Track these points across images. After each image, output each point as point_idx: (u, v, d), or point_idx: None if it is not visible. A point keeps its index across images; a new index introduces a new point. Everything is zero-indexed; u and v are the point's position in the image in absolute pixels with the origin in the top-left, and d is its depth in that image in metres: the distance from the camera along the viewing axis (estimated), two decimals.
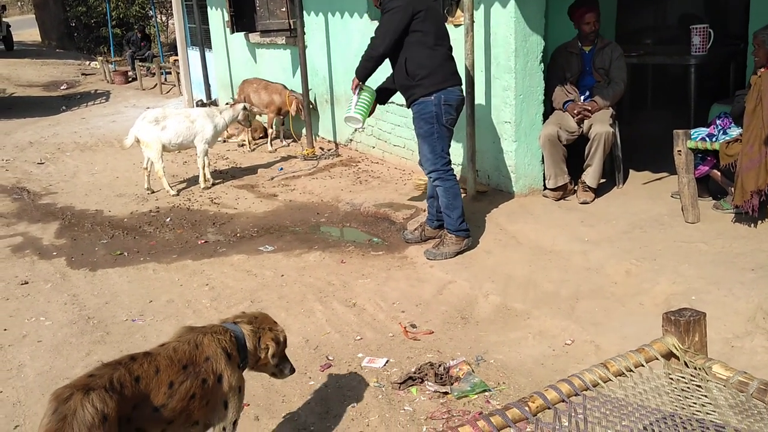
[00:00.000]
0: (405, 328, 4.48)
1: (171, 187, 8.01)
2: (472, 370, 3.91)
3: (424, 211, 6.24)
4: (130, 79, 19.27)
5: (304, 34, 9.21)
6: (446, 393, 3.72)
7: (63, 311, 5.00)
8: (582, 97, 6.71)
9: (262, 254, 5.94)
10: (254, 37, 10.89)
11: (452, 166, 5.53)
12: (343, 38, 8.96)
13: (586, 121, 6.51)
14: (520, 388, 3.75)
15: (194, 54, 13.79)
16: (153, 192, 8.04)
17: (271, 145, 9.94)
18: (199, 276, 5.53)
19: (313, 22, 9.50)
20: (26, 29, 31.63)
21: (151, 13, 25.23)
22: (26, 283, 5.56)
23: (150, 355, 2.56)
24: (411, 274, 5.36)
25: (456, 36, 6.22)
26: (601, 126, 6.36)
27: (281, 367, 3.11)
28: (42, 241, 6.58)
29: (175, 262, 5.87)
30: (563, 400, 1.98)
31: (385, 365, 4.05)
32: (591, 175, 6.43)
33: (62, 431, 2.14)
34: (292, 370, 3.16)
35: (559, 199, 6.56)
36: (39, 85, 19.92)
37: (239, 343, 2.87)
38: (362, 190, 7.51)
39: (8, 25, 28.08)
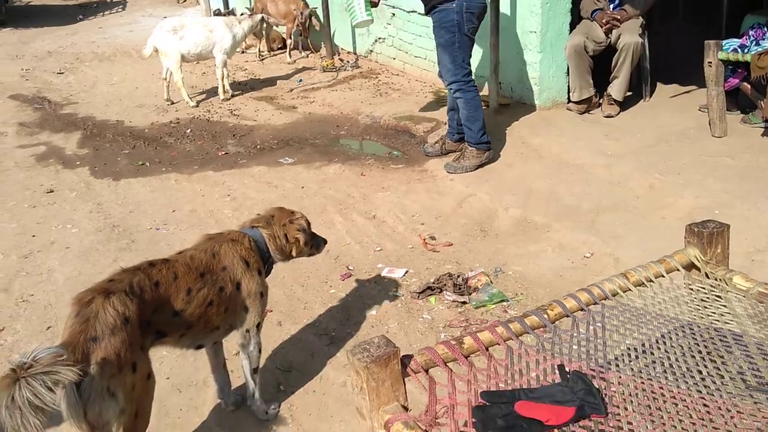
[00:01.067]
0: (424, 240, 4.51)
1: (190, 98, 7.96)
2: (491, 281, 3.96)
3: (445, 123, 6.16)
4: None
5: None
6: (464, 303, 3.78)
7: (89, 219, 5.09)
8: (611, 6, 6.45)
9: (282, 166, 5.94)
10: None
11: (473, 77, 5.41)
12: None
13: (614, 31, 6.28)
14: (538, 299, 3.80)
15: None
16: (173, 103, 7.99)
17: (290, 56, 9.76)
18: (220, 187, 5.57)
19: None
20: None
21: None
22: (52, 191, 5.64)
23: (168, 261, 2.60)
24: (431, 187, 5.35)
25: None
26: (629, 36, 6.14)
27: (314, 246, 3.19)
28: (65, 151, 6.63)
29: (197, 173, 5.90)
30: (582, 309, 2.01)
31: (404, 275, 4.11)
32: (617, 88, 6.27)
33: (85, 332, 2.21)
34: (325, 242, 3.28)
35: (583, 113, 6.43)
36: None
37: (260, 249, 2.90)
38: (382, 103, 7.41)
39: None
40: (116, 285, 2.37)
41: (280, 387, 3.20)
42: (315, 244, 3.18)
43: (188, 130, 7.07)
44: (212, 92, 8.37)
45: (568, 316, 2.00)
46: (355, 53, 9.45)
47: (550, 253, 4.31)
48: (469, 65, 5.35)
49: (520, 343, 1.91)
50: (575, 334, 1.93)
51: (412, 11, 8.06)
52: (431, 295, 3.88)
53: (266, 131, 6.92)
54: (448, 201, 5.06)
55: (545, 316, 2.00)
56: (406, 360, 1.87)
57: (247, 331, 2.82)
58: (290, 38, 9.73)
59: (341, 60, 9.27)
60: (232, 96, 8.19)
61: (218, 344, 2.97)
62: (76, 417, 2.17)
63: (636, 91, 6.62)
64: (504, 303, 3.78)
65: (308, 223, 3.14)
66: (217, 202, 5.28)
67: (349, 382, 3.20)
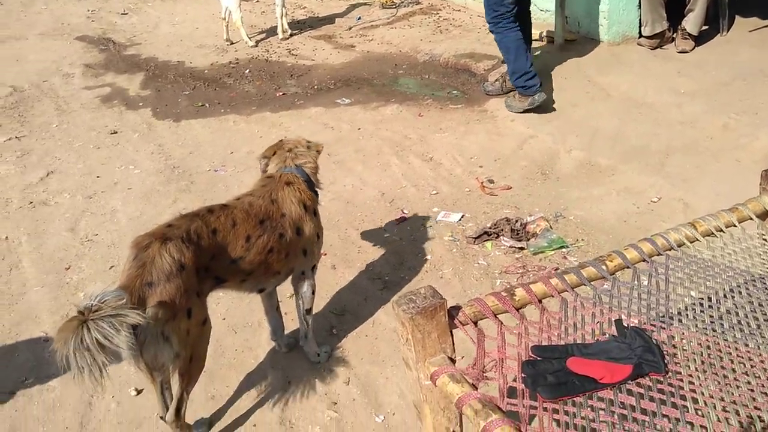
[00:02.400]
0: (482, 183, 4.39)
1: (249, 38, 7.90)
2: (550, 227, 3.83)
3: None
4: None
5: None
6: (522, 249, 3.69)
7: (150, 160, 5.17)
8: None
9: (339, 107, 5.86)
10: None
11: (510, 15, 5.07)
12: None
13: None
14: (600, 246, 3.66)
15: None
16: (232, 43, 7.96)
17: None
18: (277, 128, 5.55)
19: None
20: None
21: None
22: (115, 132, 5.74)
23: (227, 208, 2.59)
24: (490, 128, 5.19)
25: None
26: None
27: None
28: (128, 92, 6.72)
29: (255, 114, 5.89)
30: (644, 260, 1.89)
31: (460, 220, 4.02)
32: (692, 21, 5.86)
33: (142, 277, 2.23)
34: None
35: (655, 48, 6.06)
36: None
37: (310, 185, 2.86)
38: (442, 40, 7.18)
39: None
40: (174, 231, 2.38)
41: (333, 330, 3.21)
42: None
43: (247, 71, 7.04)
44: (271, 32, 8.29)
45: (628, 267, 1.89)
46: None
47: (614, 197, 4.13)
48: (509, 4, 5.04)
49: (575, 295, 1.81)
50: (636, 287, 1.82)
51: None
52: (488, 240, 3.79)
53: (324, 71, 6.82)
54: (508, 142, 4.90)
55: (603, 267, 1.89)
56: (453, 311, 1.81)
57: (303, 273, 2.82)
58: None
59: None
60: (291, 35, 8.09)
61: (272, 290, 2.98)
62: (135, 358, 2.23)
63: (712, 25, 6.18)
64: (563, 249, 3.66)
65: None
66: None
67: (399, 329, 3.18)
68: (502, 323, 1.75)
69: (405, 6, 8.63)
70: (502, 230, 3.80)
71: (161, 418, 2.52)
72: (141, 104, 6.37)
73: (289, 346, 3.09)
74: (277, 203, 2.68)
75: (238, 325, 3.29)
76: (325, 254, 3.77)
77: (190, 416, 2.76)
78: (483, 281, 3.47)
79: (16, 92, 6.91)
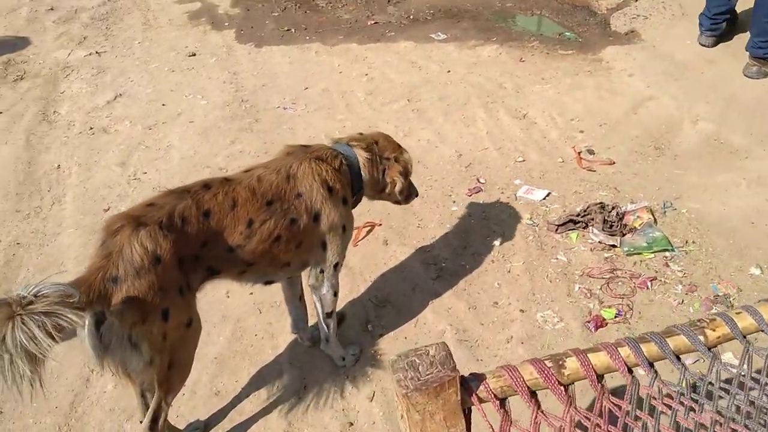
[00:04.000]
0: (579, 153, 3.69)
1: None
2: (654, 220, 3.13)
3: (636, 0, 5.00)
4: None
5: None
6: (613, 246, 3.03)
7: (220, 90, 4.79)
8: None
9: (432, 43, 5.20)
10: None
11: None
12: None
13: None
14: (715, 253, 2.95)
15: None
16: None
17: None
18: (360, 63, 4.99)
19: None
20: None
21: None
22: (194, 54, 5.40)
23: (229, 182, 2.12)
24: (602, 82, 4.39)
25: None
26: None
27: (406, 196, 2.64)
28: (218, 10, 6.33)
29: (340, 45, 5.35)
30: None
31: (544, 198, 3.39)
32: None
33: (105, 269, 1.84)
34: (416, 195, 2.73)
35: None
36: None
37: (352, 172, 2.36)
38: None
39: None
40: (152, 214, 1.96)
41: (368, 326, 2.75)
42: (408, 194, 2.65)
43: None
44: None
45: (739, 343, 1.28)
46: None
47: (743, 188, 3.34)
48: None
49: (653, 376, 1.25)
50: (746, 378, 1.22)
51: None
52: (573, 229, 3.15)
53: (421, 0, 6.11)
54: (621, 103, 4.11)
55: (701, 337, 1.29)
56: (472, 382, 1.32)
57: (321, 271, 2.33)
58: None
59: None
60: None
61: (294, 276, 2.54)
62: (96, 361, 1.87)
63: None
64: (666, 253, 2.97)
65: (411, 168, 2.63)
66: (353, 82, 4.73)
67: (448, 332, 2.68)
68: (539, 408, 1.24)
69: None
70: (593, 219, 3.14)
71: (141, 422, 2.18)
72: (227, 24, 5.97)
73: (313, 341, 2.67)
74: (294, 180, 2.18)
75: (265, 304, 2.90)
76: (380, 224, 3.28)
77: (189, 413, 2.44)
78: (558, 284, 2.87)
79: (111, 1, 6.71)
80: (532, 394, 1.39)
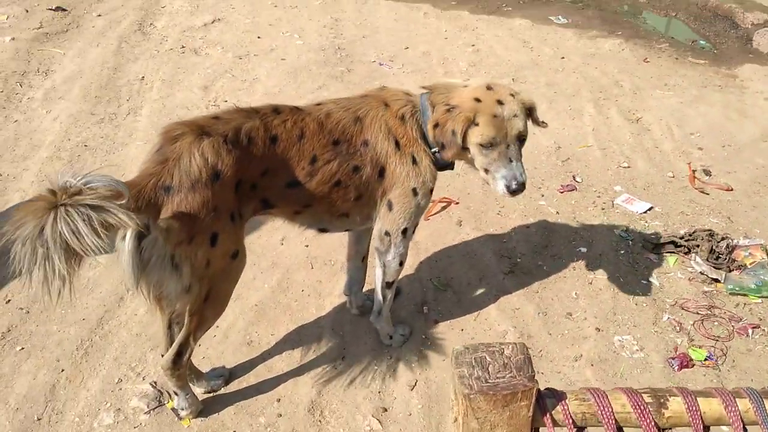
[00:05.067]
0: (694, 171, 3.28)
1: None
2: None
3: None
4: None
5: None
6: (716, 281, 2.64)
7: (319, 34, 4.57)
8: None
9: (550, 25, 4.81)
10: None
11: None
12: None
13: None
14: None
15: None
16: None
17: None
18: (468, 33, 4.67)
19: None
20: None
21: None
22: None
23: (299, 112, 1.88)
24: (733, 100, 3.92)
25: None
26: None
27: (490, 174, 1.93)
28: None
29: (452, 10, 5.03)
30: None
31: (645, 212, 3.01)
32: None
33: (159, 176, 1.63)
34: (518, 186, 1.92)
35: None
36: None
37: (425, 127, 1.96)
38: None
39: None
40: (218, 126, 1.74)
41: (424, 308, 2.48)
42: (492, 171, 1.92)
43: None
44: None
45: None
46: None
47: None
48: None
49: None
50: None
51: None
52: (673, 252, 2.78)
53: None
54: (750, 127, 3.66)
55: None
56: (549, 399, 1.08)
57: (387, 233, 2.06)
58: None
59: None
60: None
61: (362, 232, 2.27)
62: (131, 278, 1.67)
63: None
64: None
65: (488, 134, 1.86)
66: (457, 50, 4.41)
67: (511, 334, 2.38)
68: None
69: None
70: (699, 246, 2.76)
71: (162, 356, 1.99)
72: None
73: (362, 310, 2.42)
74: (362, 125, 1.91)
75: (319, 259, 2.67)
76: (457, 203, 3.00)
77: (216, 358, 2.23)
78: (645, 309, 2.52)
79: None
80: (619, 430, 1.15)
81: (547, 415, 1.19)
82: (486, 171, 1.95)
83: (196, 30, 4.52)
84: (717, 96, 3.96)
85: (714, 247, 2.74)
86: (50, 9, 4.63)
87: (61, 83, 3.79)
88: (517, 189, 1.92)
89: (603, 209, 3.03)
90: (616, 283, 2.63)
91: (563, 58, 4.32)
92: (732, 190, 3.18)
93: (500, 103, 1.89)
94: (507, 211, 3.00)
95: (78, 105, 3.60)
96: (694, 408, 1.19)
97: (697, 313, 2.50)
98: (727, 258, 2.72)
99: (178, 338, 1.90)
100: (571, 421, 1.17)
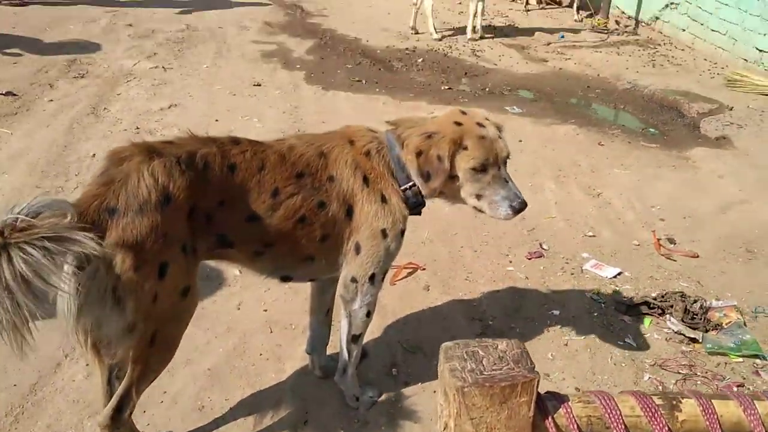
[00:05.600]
0: (659, 240, 3.26)
1: (436, 30, 7.19)
2: (744, 323, 2.65)
3: (730, 109, 4.69)
4: None
5: None
6: (694, 340, 2.54)
7: (277, 119, 4.57)
8: None
9: (506, 114, 4.93)
10: None
11: None
12: None
13: None
14: None
15: None
16: (417, 33, 7.29)
17: (577, 13, 8.36)
18: None
19: None
20: None
21: None
22: (258, 85, 5.24)
23: (259, 144, 1.80)
24: (688, 178, 4.00)
25: None
26: None
27: (485, 199, 1.84)
28: (292, 54, 6.26)
29: (409, 101, 5.13)
30: None
31: (615, 277, 2.94)
32: None
33: (103, 198, 1.49)
34: (515, 207, 1.86)
35: None
36: None
37: (395, 165, 1.85)
38: (652, 74, 6.00)
39: None
40: (171, 148, 1.63)
41: (393, 370, 2.30)
42: (487, 196, 1.84)
43: (420, 60, 6.32)
44: (461, 31, 7.50)
45: None
46: (636, 19, 7.97)
47: None
48: None
49: None
50: None
51: None
52: (647, 314, 2.69)
53: (503, 77, 5.92)
54: (708, 201, 3.70)
55: None
56: (550, 401, 0.94)
57: (353, 279, 1.91)
58: None
59: (617, 23, 7.88)
60: (481, 38, 7.28)
61: (326, 281, 2.11)
62: (69, 317, 1.49)
63: None
64: (757, 360, 2.47)
65: (477, 157, 1.78)
66: None
67: None
68: None
69: (619, 34, 7.52)
70: (672, 307, 2.68)
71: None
72: (299, 66, 5.86)
73: (326, 371, 2.21)
74: (326, 159, 1.81)
75: (279, 323, 2.48)
76: (423, 268, 2.88)
77: (163, 424, 1.99)
78: (624, 369, 2.39)
79: (189, 30, 6.73)
80: None
81: (549, 419, 1.04)
82: (478, 197, 1.85)
83: (152, 114, 4.47)
84: (672, 174, 4.04)
85: (688, 308, 2.66)
86: (0, 94, 4.55)
87: (5, 159, 3.65)
88: (520, 207, 1.86)
89: (572, 274, 2.95)
90: (593, 344, 2.50)
91: (521, 141, 4.39)
92: (698, 256, 3.15)
93: (481, 125, 1.84)
94: (475, 276, 2.89)
95: (22, 179, 3.45)
96: (710, 410, 1.06)
97: (679, 373, 2.38)
98: (702, 318, 2.64)
99: (119, 390, 1.68)
100: (575, 425, 1.03)
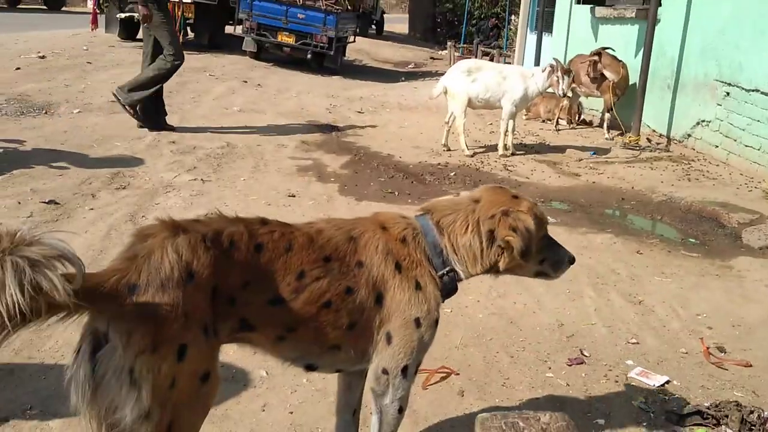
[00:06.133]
0: (707, 348, 3.08)
1: (467, 147, 7.34)
2: None
3: None
4: None
5: (660, 4, 7.80)
6: None
7: None
8: None
9: None
10: (601, 11, 9.70)
11: None
12: (707, 8, 7.35)
13: None
14: None
15: (532, 38, 13.10)
16: (449, 150, 7.45)
17: (608, 132, 8.49)
18: None
19: None
20: (399, 23, 35.21)
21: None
22: (293, 196, 5.33)
23: (288, 226, 1.77)
24: (733, 287, 3.84)
25: None
26: None
27: (549, 261, 1.99)
28: (327, 168, 6.40)
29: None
30: None
31: (663, 385, 2.76)
32: None
33: (124, 273, 1.46)
34: (571, 260, 2.04)
35: None
36: (391, 62, 21.16)
37: (429, 249, 1.85)
38: (688, 186, 5.97)
39: (383, 12, 31.71)
40: (197, 226, 1.61)
41: None
42: (550, 258, 1.99)
43: (452, 173, 6.41)
44: (493, 148, 7.66)
45: None
46: (667, 136, 8.05)
47: None
48: None
49: None
50: None
51: (753, 89, 6.52)
52: (700, 424, 2.48)
53: (536, 189, 5.93)
54: (756, 310, 3.53)
55: None
56: None
57: (384, 371, 1.81)
58: (609, 111, 8.48)
59: (648, 140, 7.96)
60: (513, 154, 7.39)
61: (355, 375, 2.00)
62: (83, 401, 1.42)
63: None
64: None
65: (541, 221, 1.93)
66: None
67: None
68: None
69: (651, 151, 7.57)
70: (728, 417, 2.47)
71: None
72: (333, 179, 5.97)
73: None
74: (356, 244, 1.77)
75: (305, 427, 2.34)
76: (457, 373, 2.74)
77: None
78: None
79: (228, 147, 6.97)
80: None
81: None
82: (542, 261, 1.99)
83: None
84: (716, 283, 3.89)
85: (745, 418, 2.45)
86: (43, 202, 4.68)
87: None
88: (573, 258, 2.07)
89: (616, 382, 2.77)
90: None
91: None
92: (751, 365, 2.95)
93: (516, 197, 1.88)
94: (512, 382, 2.73)
95: None
96: None
97: None
98: (761, 429, 2.42)
99: None
100: None
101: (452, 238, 1.88)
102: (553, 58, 7.43)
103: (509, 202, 1.90)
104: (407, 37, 31.06)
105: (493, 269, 1.94)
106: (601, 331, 3.23)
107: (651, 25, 7.73)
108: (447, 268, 1.87)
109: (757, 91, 6.45)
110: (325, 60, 14.14)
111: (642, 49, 8.07)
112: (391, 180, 6.08)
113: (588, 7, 10.03)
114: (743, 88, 6.68)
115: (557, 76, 7.11)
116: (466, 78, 7.23)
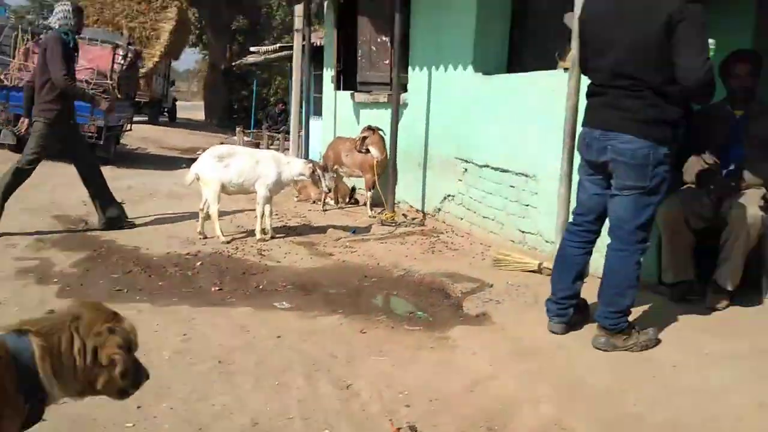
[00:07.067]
0: (398, 430, 3.02)
1: (223, 233, 7.10)
2: None
3: (491, 286, 4.82)
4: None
5: (400, 87, 8.32)
6: None
7: None
8: (725, 171, 5.04)
9: (273, 310, 4.74)
10: (359, 97, 10.16)
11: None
12: (445, 94, 7.93)
13: (726, 201, 4.82)
14: None
15: (315, 124, 13.39)
16: (205, 237, 7.16)
17: (371, 209, 8.68)
18: (184, 324, 4.41)
19: (417, 77, 8.60)
20: (197, 111, 34.97)
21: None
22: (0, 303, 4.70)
23: None
24: (443, 358, 3.91)
25: None
26: (746, 209, 4.64)
27: (132, 380, 1.97)
28: (54, 268, 5.79)
29: (171, 306, 4.80)
30: None
31: None
32: (725, 274, 4.67)
33: None
34: (146, 375, 2.06)
35: (678, 300, 4.85)
36: (178, 149, 20.65)
37: (22, 373, 1.69)
38: (430, 260, 6.19)
39: (175, 99, 31.27)
40: None
41: None
42: (135, 377, 1.98)
43: (199, 263, 6.10)
44: (254, 233, 7.49)
45: None
46: (423, 211, 8.44)
47: None
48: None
49: None
50: None
51: (484, 165, 7.04)
52: None
53: (282, 273, 5.81)
54: (457, 380, 3.58)
55: None
56: None
57: None
58: (370, 190, 8.72)
59: (404, 216, 8.26)
60: (272, 237, 7.27)
61: None
62: None
63: (754, 284, 4.94)
64: None
65: (135, 339, 2.00)
66: (166, 341, 4.11)
67: None
68: None
69: (406, 226, 7.84)
70: None
71: None
72: (55, 281, 5.40)
73: None
74: None
75: None
76: None
77: None
78: None
79: None
80: None
81: None
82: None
83: None
84: (430, 355, 3.95)
85: None
86: None
87: None
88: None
89: None
90: None
91: (279, 336, 4.17)
92: None
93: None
94: None
95: None
96: None
97: None
98: None
99: None
100: None
101: (43, 362, 1.74)
102: (309, 160, 7.67)
103: (110, 317, 1.92)
104: (204, 123, 30.78)
105: (88, 390, 1.87)
106: (297, 425, 3.06)
107: (395, 110, 8.17)
108: (40, 394, 1.74)
109: (488, 166, 6.97)
110: (96, 150, 13.33)
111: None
112: (127, 276, 5.63)
113: (348, 92, 10.47)
114: (477, 164, 7.19)
115: (318, 175, 7.26)
116: (217, 164, 7.06)
